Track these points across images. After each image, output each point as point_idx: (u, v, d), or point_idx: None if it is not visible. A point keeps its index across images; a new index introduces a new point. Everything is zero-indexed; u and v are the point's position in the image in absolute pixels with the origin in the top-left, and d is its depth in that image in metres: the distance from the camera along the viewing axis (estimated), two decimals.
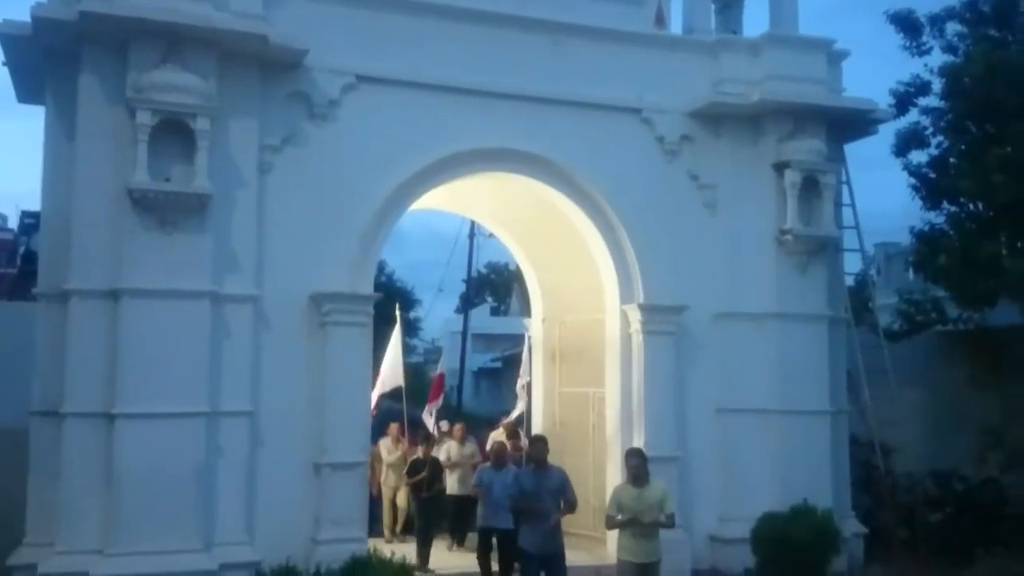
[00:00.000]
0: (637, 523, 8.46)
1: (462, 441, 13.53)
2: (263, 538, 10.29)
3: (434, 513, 12.61)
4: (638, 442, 12.26)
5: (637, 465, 8.82)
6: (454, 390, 37.17)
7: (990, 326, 14.87)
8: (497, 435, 14.18)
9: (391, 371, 14.12)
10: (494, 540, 11.15)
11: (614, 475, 12.44)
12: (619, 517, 8.62)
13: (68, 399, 9.98)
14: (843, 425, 13.12)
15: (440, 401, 15.17)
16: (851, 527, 12.39)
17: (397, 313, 14.84)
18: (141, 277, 10.07)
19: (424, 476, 12.27)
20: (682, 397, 12.48)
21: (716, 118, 12.82)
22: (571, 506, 9.51)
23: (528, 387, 14.38)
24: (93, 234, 10.15)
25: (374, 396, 13.47)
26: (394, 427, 14.05)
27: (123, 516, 9.77)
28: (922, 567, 12.00)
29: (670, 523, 8.68)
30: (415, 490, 12.42)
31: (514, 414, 15.16)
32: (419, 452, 13.27)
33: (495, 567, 11.09)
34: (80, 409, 9.94)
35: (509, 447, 12.46)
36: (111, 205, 10.15)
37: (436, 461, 12.64)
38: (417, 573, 11.11)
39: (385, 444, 13.94)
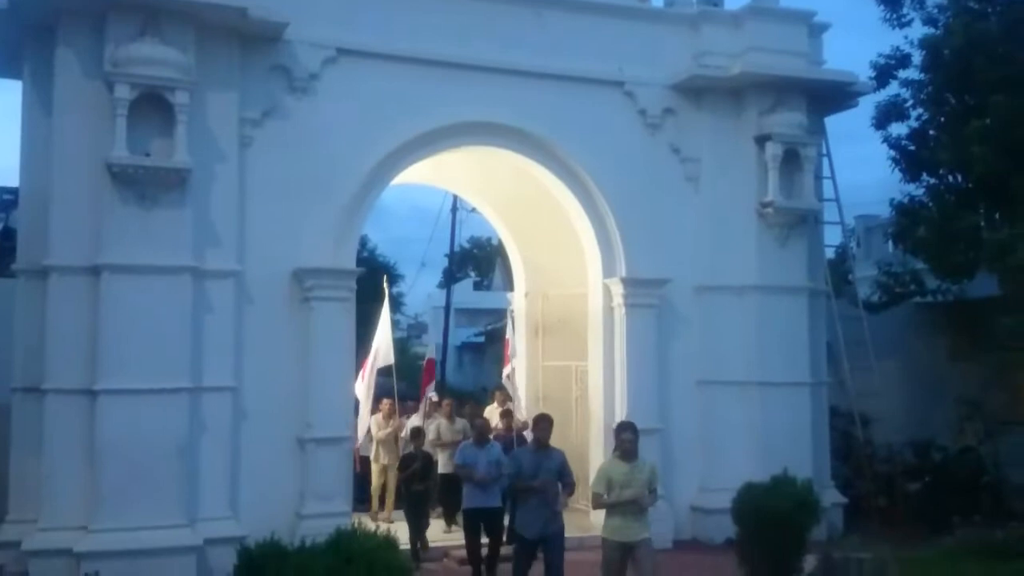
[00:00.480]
0: (627, 503, 8.13)
1: (451, 418, 13.15)
2: (247, 513, 10.33)
3: (425, 506, 12.07)
4: (621, 415, 12.34)
5: (630, 440, 8.39)
6: (437, 365, 37.24)
7: (968, 298, 15.01)
8: (493, 411, 13.68)
9: (384, 348, 13.74)
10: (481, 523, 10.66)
11: (597, 447, 12.55)
12: (607, 495, 8.26)
13: (49, 375, 9.95)
14: (823, 396, 13.26)
15: (433, 387, 14.55)
16: (830, 497, 12.55)
17: (386, 288, 14.72)
18: (121, 253, 10.02)
19: (416, 468, 11.69)
20: (664, 370, 12.56)
21: (698, 91, 12.83)
22: (570, 489, 9.22)
23: (513, 375, 13.81)
24: (72, 210, 10.08)
25: (368, 373, 13.18)
26: (386, 403, 13.72)
27: (106, 492, 9.78)
28: (901, 536, 12.16)
29: (654, 500, 8.47)
30: (407, 483, 11.82)
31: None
32: (408, 428, 12.91)
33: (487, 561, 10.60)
34: (62, 385, 9.92)
35: (502, 427, 12.16)
36: (90, 180, 10.08)
37: (428, 456, 12.16)
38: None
39: (376, 420, 13.58)
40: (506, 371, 14.02)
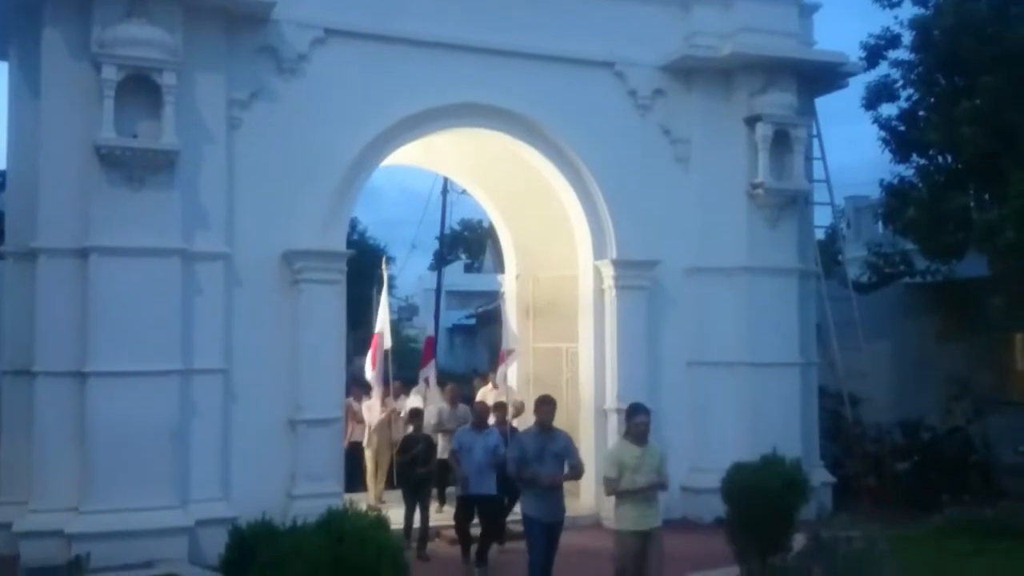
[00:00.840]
0: (639, 489, 7.78)
1: (453, 403, 12.74)
2: (238, 494, 10.35)
3: (427, 490, 11.40)
4: (611, 396, 12.40)
5: (644, 423, 7.96)
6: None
7: (957, 278, 15.06)
8: (487, 391, 13.41)
9: (387, 331, 13.52)
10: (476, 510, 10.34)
11: (587, 429, 12.59)
12: (621, 481, 7.83)
13: (39, 358, 9.94)
14: (812, 376, 13.32)
15: (433, 365, 14.02)
16: (820, 476, 12.63)
17: (384, 270, 14.64)
18: (110, 235, 9.99)
19: (418, 452, 11.04)
20: (654, 351, 12.60)
21: (688, 72, 12.81)
22: (576, 472, 8.73)
23: (512, 355, 13.23)
24: (60, 191, 10.05)
25: (379, 359, 13.01)
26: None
27: (97, 474, 9.79)
28: (889, 515, 12.24)
29: (665, 486, 8.12)
30: (408, 466, 11.20)
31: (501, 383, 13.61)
32: (406, 409, 12.53)
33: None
34: (51, 368, 9.91)
35: (495, 420, 11.55)
36: (78, 162, 10.04)
37: (429, 438, 11.56)
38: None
39: (368, 405, 13.32)
40: (506, 346, 13.36)
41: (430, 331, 15.17)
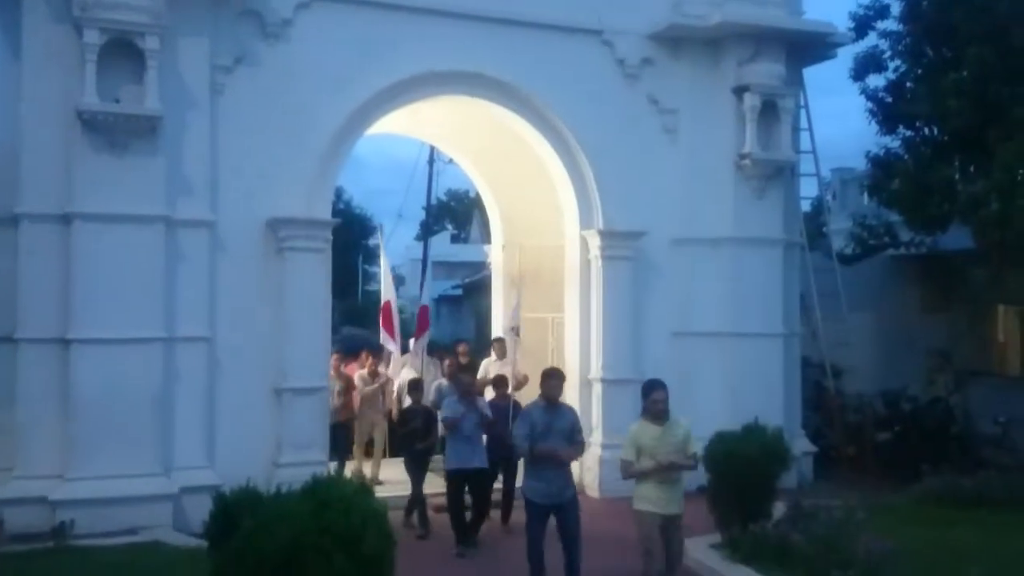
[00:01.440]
0: (661, 471, 7.30)
1: (453, 378, 11.83)
2: (223, 462, 10.34)
3: (425, 469, 10.86)
4: (596, 366, 12.43)
5: (662, 400, 7.45)
6: (414, 317, 37.24)
7: (941, 250, 15.15)
8: (489, 363, 12.84)
9: (392, 298, 13.24)
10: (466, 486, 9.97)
11: (572, 399, 12.60)
12: (639, 462, 7.39)
13: (22, 325, 9.90)
14: (795, 347, 13.39)
15: (428, 335, 13.50)
16: (801, 445, 12.73)
17: (381, 237, 14.56)
18: (93, 201, 9.93)
19: (417, 426, 10.51)
20: (639, 321, 12.63)
21: (676, 41, 12.73)
22: (580, 449, 8.35)
23: (517, 331, 12.61)
24: (43, 157, 9.96)
25: (392, 328, 12.90)
26: (369, 358, 13.00)
27: (81, 441, 9.79)
28: (870, 484, 12.38)
29: (694, 465, 7.64)
30: (406, 441, 10.72)
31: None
32: (403, 381, 12.13)
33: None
34: (34, 335, 9.88)
35: (495, 396, 11.02)
36: (60, 127, 9.96)
37: (428, 411, 10.96)
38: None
39: (361, 376, 12.88)
40: (511, 322, 12.86)
41: (425, 300, 14.60)
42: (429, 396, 12.07)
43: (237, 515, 5.74)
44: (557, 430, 7.97)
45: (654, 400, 7.49)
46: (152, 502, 9.81)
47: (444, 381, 12.37)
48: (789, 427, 11.98)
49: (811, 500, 9.30)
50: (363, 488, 6.01)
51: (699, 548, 8.93)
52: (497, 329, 14.91)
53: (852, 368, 14.12)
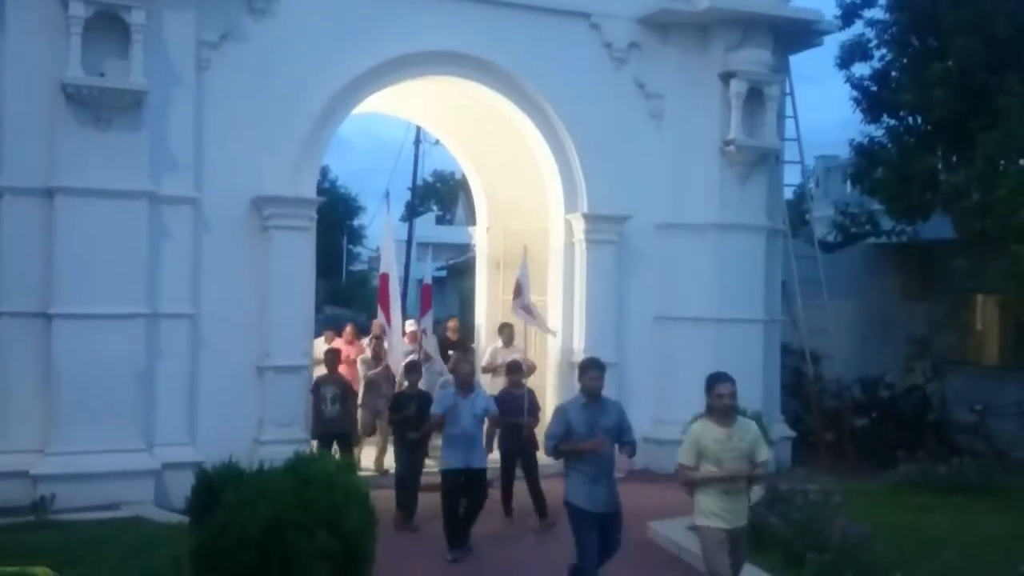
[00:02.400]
0: (727, 479, 6.30)
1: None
2: (205, 439, 10.35)
3: (421, 460, 10.04)
4: (579, 350, 12.47)
5: (728, 394, 6.29)
6: (399, 299, 37.07)
7: (922, 239, 15.26)
8: (497, 350, 12.34)
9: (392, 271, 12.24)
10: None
11: (554, 382, 12.69)
12: (700, 469, 6.36)
13: (3, 298, 9.88)
14: (775, 333, 13.49)
15: (431, 316, 12.46)
16: (779, 430, 12.86)
17: (387, 206, 14.17)
18: (76, 175, 9.88)
19: (411, 414, 9.64)
20: (622, 305, 12.69)
21: (664, 25, 12.74)
22: (631, 450, 7.08)
23: (528, 309, 11.91)
24: (26, 130, 9.91)
25: (388, 304, 11.76)
26: (374, 334, 12.34)
27: (62, 416, 9.78)
28: (846, 469, 12.51)
29: (764, 474, 6.71)
30: (399, 430, 9.85)
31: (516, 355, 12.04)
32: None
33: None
34: (16, 309, 9.86)
35: (507, 384, 10.22)
36: (44, 100, 9.89)
37: (426, 396, 9.95)
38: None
39: (364, 360, 12.20)
40: (521, 301, 12.05)
41: (427, 279, 13.54)
42: (433, 389, 11.14)
43: (219, 491, 5.78)
44: (602, 430, 6.92)
45: (718, 395, 6.31)
46: (133, 478, 9.82)
47: (450, 376, 10.99)
48: (768, 412, 12.09)
49: (788, 484, 9.39)
50: (345, 466, 6.05)
51: (676, 530, 9.04)
52: (480, 311, 14.95)
53: (831, 355, 14.24)
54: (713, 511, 6.33)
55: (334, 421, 10.40)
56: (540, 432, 9.13)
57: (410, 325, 13.23)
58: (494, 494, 9.58)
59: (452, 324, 13.53)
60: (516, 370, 10.30)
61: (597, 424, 6.93)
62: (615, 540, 7.04)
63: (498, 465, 10.08)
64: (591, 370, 7.07)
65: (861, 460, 13.15)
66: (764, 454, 6.46)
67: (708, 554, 6.40)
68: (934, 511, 9.97)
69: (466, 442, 8.93)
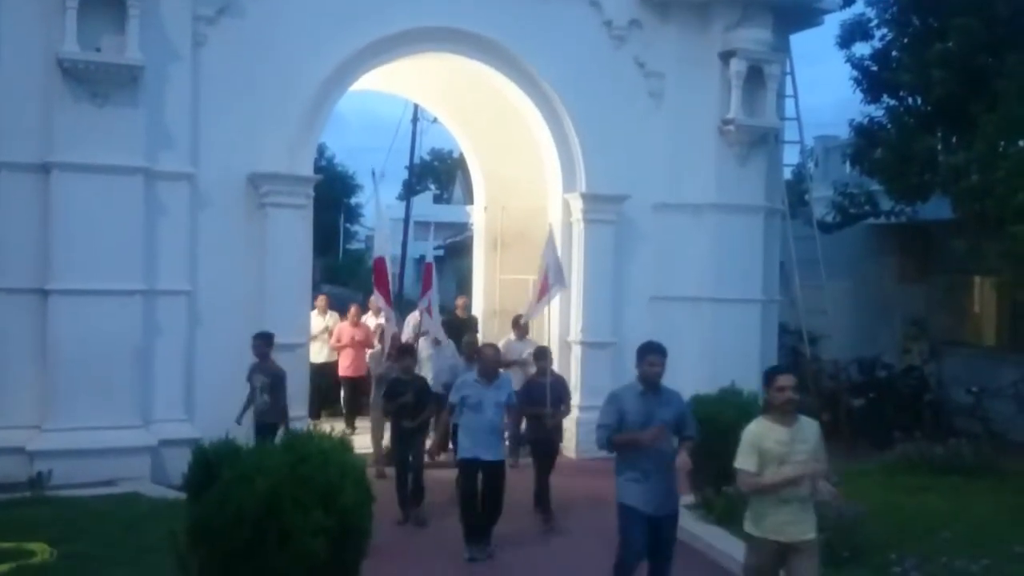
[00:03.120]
0: (789, 485, 5.47)
1: (473, 358, 9.67)
2: (202, 416, 10.35)
3: (419, 453, 9.22)
4: (576, 329, 12.47)
5: (788, 386, 5.56)
6: (395, 277, 37.10)
7: (920, 220, 15.23)
8: (510, 343, 11.83)
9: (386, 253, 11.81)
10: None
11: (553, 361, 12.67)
12: (762, 473, 5.52)
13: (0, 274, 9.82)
14: (773, 313, 13.50)
15: (432, 292, 11.49)
16: None
17: (375, 185, 13.98)
18: (72, 151, 9.85)
19: (408, 401, 9.00)
20: (619, 285, 12.68)
21: (664, 4, 12.67)
22: (691, 445, 6.45)
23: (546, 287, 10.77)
24: (22, 105, 9.87)
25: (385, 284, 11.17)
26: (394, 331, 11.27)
27: (59, 392, 9.78)
28: (843, 449, 12.53)
29: (828, 473, 5.91)
30: (396, 418, 9.15)
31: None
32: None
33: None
34: (12, 284, 9.85)
35: (536, 371, 9.60)
36: (41, 75, 9.86)
37: (422, 383, 9.39)
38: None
39: (374, 355, 11.66)
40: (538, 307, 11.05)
41: (428, 258, 12.50)
42: (441, 377, 10.62)
43: (216, 467, 5.76)
44: (660, 421, 6.25)
45: (780, 388, 5.57)
46: (130, 454, 9.84)
47: (460, 360, 10.71)
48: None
49: None
50: (342, 443, 6.05)
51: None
52: (478, 290, 14.93)
53: (828, 335, 14.25)
54: (771, 521, 5.55)
55: (264, 412, 9.58)
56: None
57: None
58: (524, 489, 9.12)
59: (461, 302, 13.44)
60: (542, 356, 9.66)
61: (655, 415, 6.25)
62: (670, 548, 6.36)
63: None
64: (650, 355, 6.34)
65: (858, 440, 13.17)
66: (824, 453, 5.68)
67: (749, 564, 5.74)
68: (930, 492, 10.00)
69: (488, 432, 8.19)
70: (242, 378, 10.74)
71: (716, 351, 12.40)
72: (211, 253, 10.70)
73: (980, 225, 12.54)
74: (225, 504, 5.28)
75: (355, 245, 47.87)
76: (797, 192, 16.23)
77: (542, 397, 9.24)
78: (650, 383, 6.37)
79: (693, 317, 12.67)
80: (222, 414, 10.08)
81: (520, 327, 12.20)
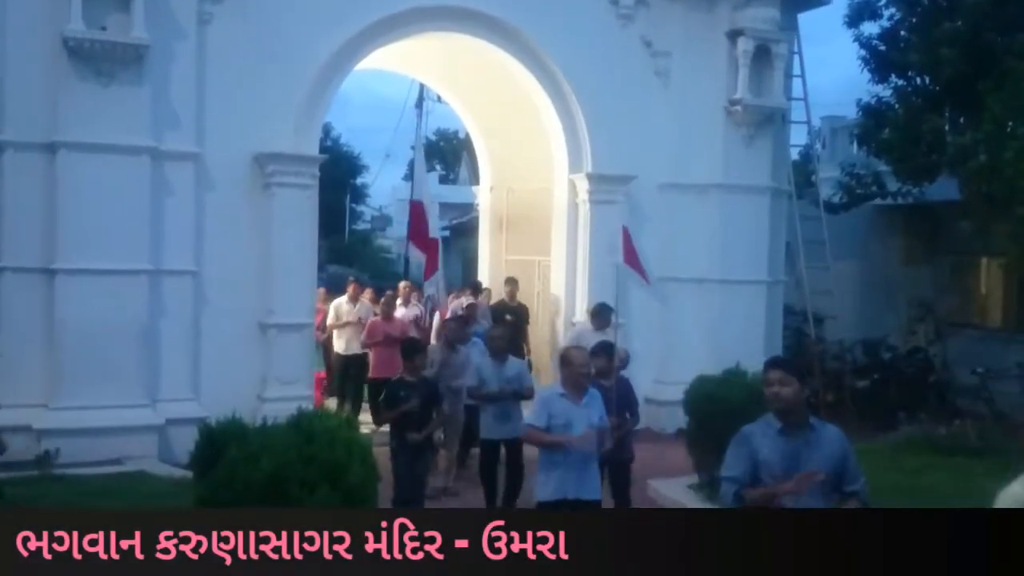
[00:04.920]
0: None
1: (503, 353, 8.53)
2: (209, 395, 10.38)
3: (425, 471, 7.93)
4: (582, 310, 12.46)
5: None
6: (401, 258, 37.16)
7: (927, 201, 15.18)
8: (584, 330, 10.46)
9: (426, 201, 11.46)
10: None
11: (557, 342, 12.71)
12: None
13: (6, 253, 9.87)
14: (778, 294, 13.49)
15: (438, 278, 11.29)
16: None
17: (419, 118, 13.18)
18: (78, 130, 9.83)
19: (413, 409, 7.47)
20: (625, 266, 12.63)
21: None
22: (861, 502, 4.64)
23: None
24: (27, 84, 9.85)
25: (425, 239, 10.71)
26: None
27: (66, 371, 9.82)
28: (847, 430, 12.51)
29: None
30: (398, 429, 7.58)
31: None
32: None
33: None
34: (19, 264, 9.86)
35: (601, 365, 7.30)
36: (46, 55, 9.82)
37: (432, 385, 7.99)
38: None
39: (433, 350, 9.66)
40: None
41: (435, 233, 12.09)
42: (467, 380, 8.76)
43: (223, 446, 5.80)
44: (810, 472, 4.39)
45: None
46: (137, 433, 9.88)
47: (487, 359, 8.63)
48: None
49: None
50: (348, 421, 6.08)
51: (677, 489, 9.11)
52: (483, 272, 14.92)
53: (834, 316, 14.24)
54: None
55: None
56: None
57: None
58: None
59: (508, 289, 12.38)
60: (602, 353, 7.54)
61: (801, 462, 4.45)
62: None
63: None
64: (771, 371, 4.61)
65: (862, 421, 13.16)
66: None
67: None
68: (933, 472, 10.01)
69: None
70: (248, 357, 10.83)
71: (721, 332, 12.40)
72: (217, 233, 10.70)
73: (987, 206, 12.51)
74: (231, 482, 5.32)
75: (361, 226, 47.85)
76: (804, 173, 16.19)
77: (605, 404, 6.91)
78: (790, 417, 4.49)
79: (699, 298, 12.68)
80: (229, 393, 10.14)
81: (599, 315, 10.32)
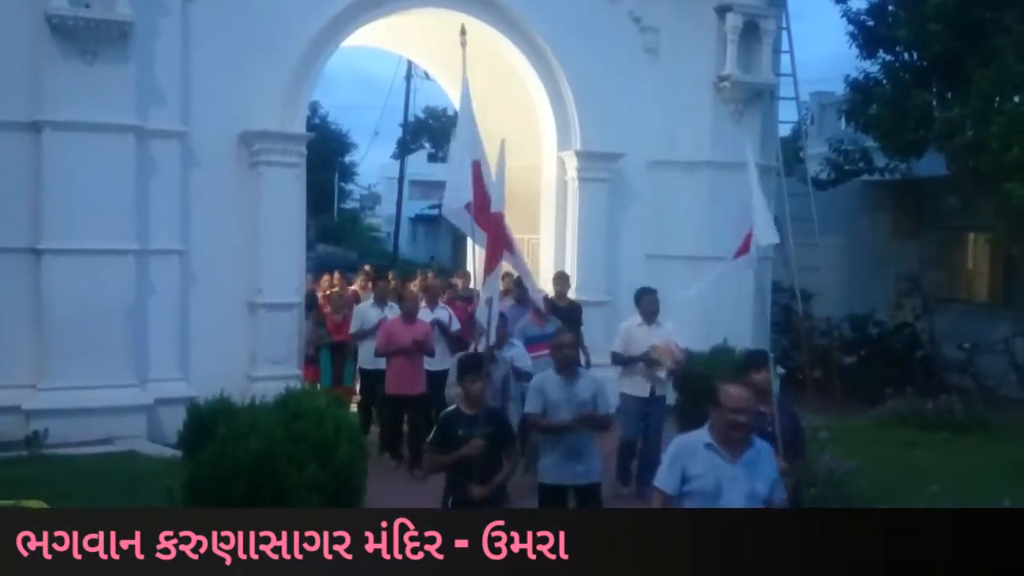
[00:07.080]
0: None
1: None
2: (198, 375, 10.37)
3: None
4: (571, 288, 12.47)
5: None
6: (390, 237, 37.12)
7: (915, 176, 15.22)
8: (631, 327, 8.89)
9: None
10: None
11: None
12: None
13: None
14: (766, 271, 13.50)
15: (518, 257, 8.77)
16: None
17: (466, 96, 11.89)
18: (62, 109, 9.77)
19: (473, 455, 5.48)
20: (614, 243, 12.67)
21: None
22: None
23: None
24: (11, 62, 9.77)
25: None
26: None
27: (54, 351, 9.80)
28: (834, 406, 12.63)
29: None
30: (455, 481, 5.63)
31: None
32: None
33: None
34: (5, 244, 9.83)
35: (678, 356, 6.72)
36: (29, 33, 9.74)
37: (500, 419, 5.93)
38: None
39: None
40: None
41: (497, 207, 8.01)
42: (528, 405, 6.46)
43: (212, 425, 5.82)
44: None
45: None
46: (126, 413, 9.88)
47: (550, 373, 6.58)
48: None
49: None
50: (336, 400, 6.10)
51: None
52: (471, 253, 14.86)
53: (822, 292, 14.30)
54: None
55: None
56: None
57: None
58: None
59: (558, 289, 10.48)
60: (759, 364, 6.09)
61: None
62: None
63: None
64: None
65: (849, 397, 13.27)
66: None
67: None
68: (920, 447, 10.10)
69: (577, 448, 6.23)
70: (237, 336, 10.82)
71: (709, 309, 12.39)
72: (204, 212, 10.66)
73: (974, 181, 12.55)
74: (220, 461, 5.34)
75: (350, 204, 47.70)
76: (792, 149, 16.19)
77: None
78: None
79: (688, 275, 12.63)
80: (218, 373, 10.12)
81: (647, 306, 8.87)
